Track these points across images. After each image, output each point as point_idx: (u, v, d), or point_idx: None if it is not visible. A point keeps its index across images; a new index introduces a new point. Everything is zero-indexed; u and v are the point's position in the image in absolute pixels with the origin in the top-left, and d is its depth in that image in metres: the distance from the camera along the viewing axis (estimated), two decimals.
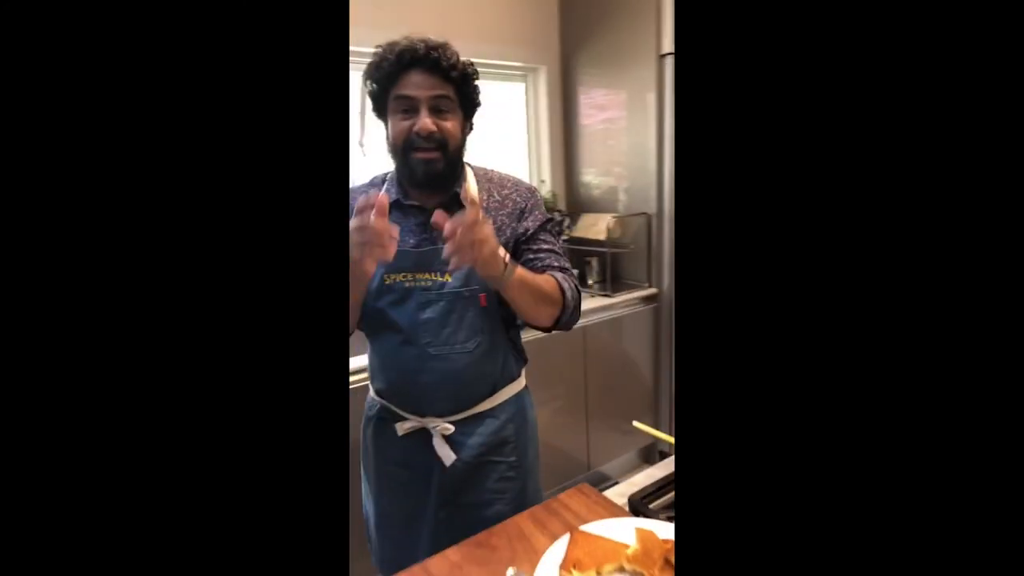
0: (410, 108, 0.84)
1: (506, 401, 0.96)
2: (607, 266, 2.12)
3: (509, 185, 0.96)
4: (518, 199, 0.94)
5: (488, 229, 0.73)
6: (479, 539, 0.75)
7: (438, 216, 0.70)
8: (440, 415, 0.91)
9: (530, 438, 1.01)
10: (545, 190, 2.50)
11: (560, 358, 1.91)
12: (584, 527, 0.71)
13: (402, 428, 0.93)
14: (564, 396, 1.93)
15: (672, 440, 0.83)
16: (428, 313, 0.88)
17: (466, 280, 0.88)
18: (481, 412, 0.93)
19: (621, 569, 0.64)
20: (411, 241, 0.89)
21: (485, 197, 0.93)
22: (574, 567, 0.64)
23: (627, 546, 0.66)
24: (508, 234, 0.92)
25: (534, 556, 0.68)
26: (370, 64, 0.86)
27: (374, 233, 0.68)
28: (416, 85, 0.83)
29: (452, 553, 0.73)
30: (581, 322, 1.97)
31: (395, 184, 0.92)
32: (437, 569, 0.70)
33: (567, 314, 0.90)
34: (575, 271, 1.04)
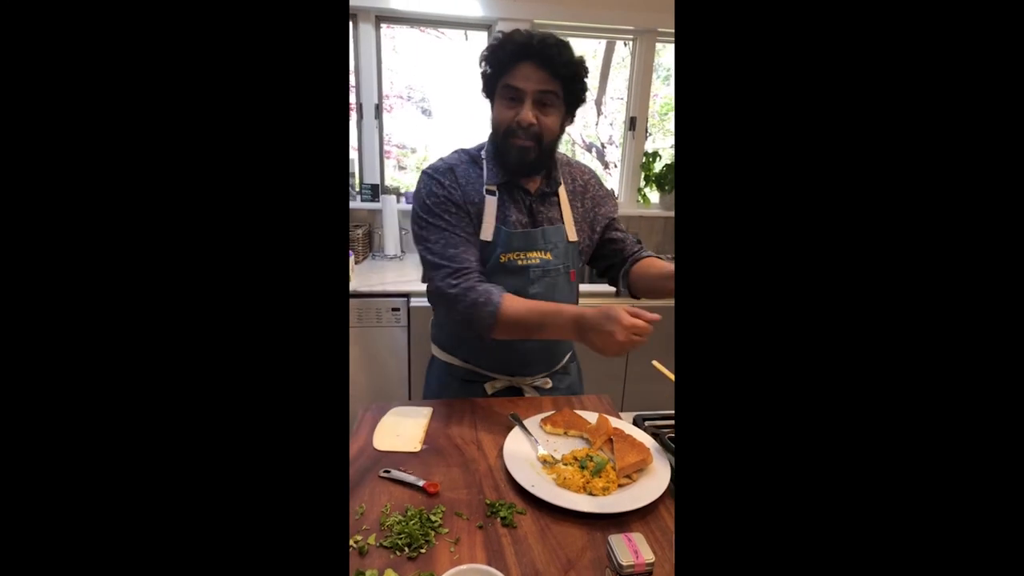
0: (516, 98, 0.92)
1: (571, 356, 1.18)
2: None
3: (587, 172, 1.13)
4: (595, 186, 1.11)
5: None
6: (513, 399, 1.07)
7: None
8: (530, 375, 1.10)
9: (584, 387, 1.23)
10: None
11: None
12: (576, 411, 0.98)
13: (492, 387, 1.09)
14: None
15: None
16: (537, 288, 1.01)
17: (564, 257, 1.03)
18: (557, 370, 1.14)
19: (581, 436, 0.91)
20: (522, 221, 1.02)
21: (570, 182, 1.08)
22: (551, 424, 0.92)
23: (590, 423, 0.92)
24: (590, 217, 1.09)
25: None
26: (487, 48, 0.93)
27: (643, 340, 0.82)
28: (525, 78, 0.90)
29: (493, 401, 1.07)
30: None
31: (496, 165, 1.00)
32: (480, 405, 1.05)
33: None
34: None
